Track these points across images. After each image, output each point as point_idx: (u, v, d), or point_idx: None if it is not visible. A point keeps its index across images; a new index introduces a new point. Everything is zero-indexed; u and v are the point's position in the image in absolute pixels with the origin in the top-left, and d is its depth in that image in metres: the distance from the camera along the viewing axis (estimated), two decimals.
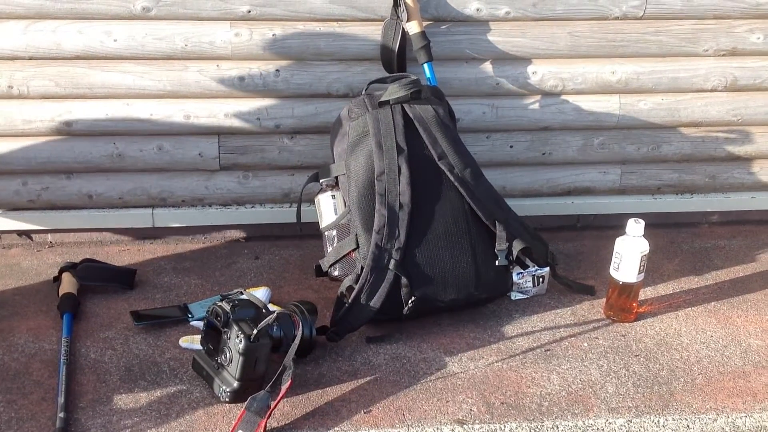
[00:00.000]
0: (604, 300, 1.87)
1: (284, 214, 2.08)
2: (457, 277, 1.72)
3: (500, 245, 1.76)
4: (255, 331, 1.46)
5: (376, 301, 1.67)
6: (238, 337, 1.47)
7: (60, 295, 1.78)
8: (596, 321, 1.83)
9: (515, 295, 1.88)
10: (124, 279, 1.88)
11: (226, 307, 1.51)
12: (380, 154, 1.72)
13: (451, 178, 1.75)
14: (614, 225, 1.97)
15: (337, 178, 1.80)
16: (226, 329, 1.50)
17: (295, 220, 1.90)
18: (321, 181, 1.83)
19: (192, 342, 1.67)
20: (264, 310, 1.55)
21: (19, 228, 2.05)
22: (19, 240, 2.08)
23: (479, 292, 1.76)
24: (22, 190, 2.00)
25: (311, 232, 1.89)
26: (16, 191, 2.00)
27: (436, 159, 1.75)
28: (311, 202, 1.87)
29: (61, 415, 1.44)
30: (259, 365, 1.50)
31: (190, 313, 1.77)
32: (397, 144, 1.72)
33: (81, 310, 1.78)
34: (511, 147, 2.12)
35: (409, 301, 1.68)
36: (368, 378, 1.61)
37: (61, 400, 1.48)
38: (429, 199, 1.74)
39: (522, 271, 1.85)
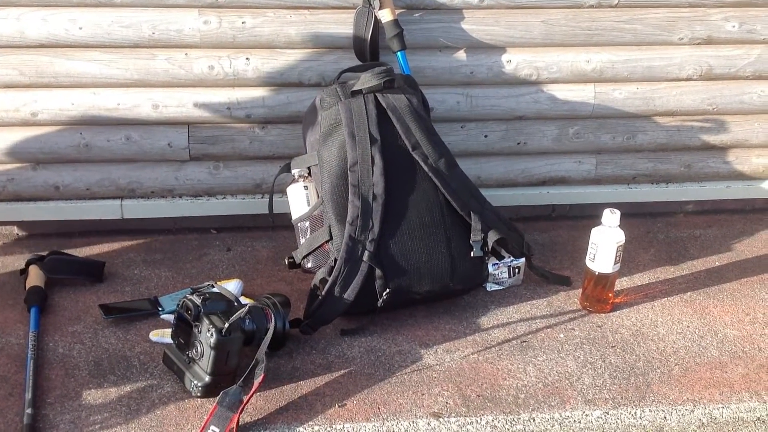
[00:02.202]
0: (580, 291, 1.88)
1: (256, 205, 2.07)
2: (432, 268, 1.73)
3: (475, 236, 1.76)
4: (226, 325, 1.46)
5: (350, 294, 1.66)
6: (209, 330, 1.46)
7: (27, 288, 1.76)
8: (572, 312, 1.84)
9: (491, 286, 1.89)
10: (92, 272, 1.86)
11: (197, 300, 1.50)
12: (353, 145, 1.72)
13: (426, 169, 1.75)
14: (590, 215, 1.98)
15: (309, 168, 1.79)
16: (197, 323, 1.49)
17: (267, 212, 1.89)
18: (293, 171, 1.82)
19: (163, 336, 1.66)
20: (236, 303, 1.54)
21: None
22: None
23: (454, 283, 1.76)
24: None
25: (284, 223, 1.88)
26: None
27: (410, 149, 1.75)
28: (283, 192, 1.86)
29: (29, 411, 1.42)
30: (231, 359, 1.49)
31: (161, 307, 1.76)
32: (370, 134, 1.72)
33: (49, 303, 1.76)
34: (485, 136, 2.13)
35: (384, 293, 1.68)
36: (343, 371, 1.61)
37: (29, 395, 1.46)
38: (403, 190, 1.74)
39: (497, 262, 1.86)
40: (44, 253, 1.88)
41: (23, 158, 1.96)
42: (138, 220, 2.06)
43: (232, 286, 1.80)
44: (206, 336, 1.47)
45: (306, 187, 1.79)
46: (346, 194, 1.70)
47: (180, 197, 2.06)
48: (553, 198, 2.24)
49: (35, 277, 1.80)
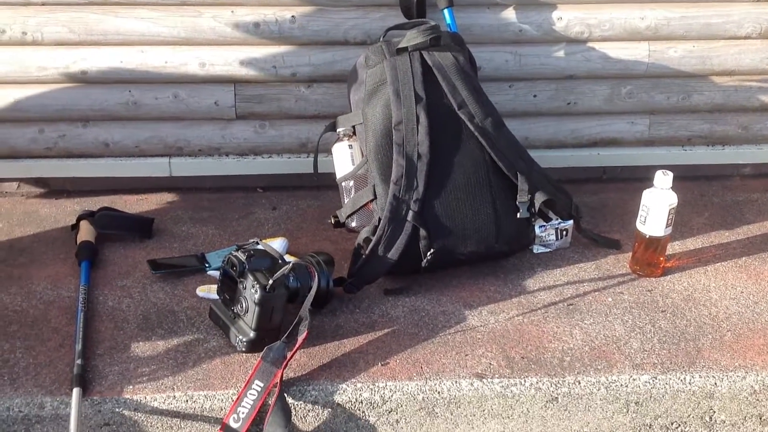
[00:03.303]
0: (630, 254, 1.85)
1: (301, 165, 2.09)
2: (477, 229, 1.72)
3: (522, 197, 1.75)
4: (271, 281, 1.48)
5: (393, 253, 1.67)
6: (253, 287, 1.48)
7: (78, 243, 1.80)
8: (621, 275, 1.82)
9: (537, 249, 1.87)
10: (141, 228, 1.90)
11: (242, 257, 1.52)
12: (398, 103, 1.71)
13: (472, 128, 1.74)
14: (641, 177, 1.95)
15: (354, 127, 1.79)
16: (242, 279, 1.51)
17: (312, 171, 1.90)
18: (338, 130, 1.82)
19: (209, 291, 1.69)
20: (280, 261, 1.55)
21: (36, 176, 2.07)
22: (37, 188, 2.11)
23: (500, 245, 1.75)
24: (39, 137, 2.01)
25: (328, 182, 1.88)
26: (32, 139, 2.01)
27: (456, 108, 1.74)
28: (328, 152, 1.87)
29: (79, 362, 1.46)
30: (275, 315, 1.51)
31: (207, 263, 1.78)
32: (415, 92, 1.71)
33: (99, 258, 1.80)
34: (534, 96, 2.10)
35: (428, 254, 1.68)
36: (386, 330, 1.62)
37: (79, 347, 1.50)
38: (448, 149, 1.73)
39: (545, 224, 1.84)
40: (95, 209, 1.92)
41: (74, 116, 1.99)
42: (185, 178, 2.10)
43: (277, 244, 1.82)
44: (251, 292, 1.49)
45: (350, 147, 1.79)
46: (390, 153, 1.69)
47: (226, 156, 2.08)
48: (603, 160, 2.20)
49: (86, 232, 1.84)
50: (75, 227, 1.88)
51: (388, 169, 1.69)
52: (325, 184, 1.93)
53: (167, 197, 2.08)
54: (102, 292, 1.70)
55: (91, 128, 2.02)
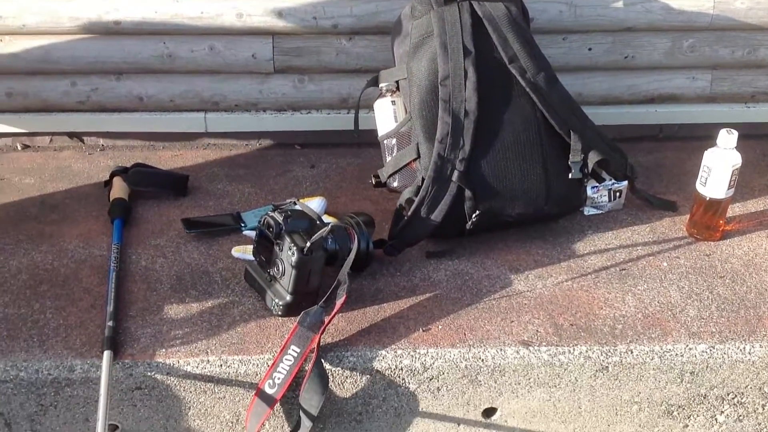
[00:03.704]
0: (687, 217, 1.76)
1: (342, 121, 2.01)
2: (526, 190, 1.63)
3: (574, 157, 1.65)
4: (308, 244, 1.41)
5: (437, 215, 1.59)
6: (290, 249, 1.42)
7: (111, 200, 1.76)
8: (678, 239, 1.72)
9: (589, 210, 1.79)
10: (176, 185, 1.85)
11: (279, 217, 1.46)
12: (445, 57, 1.62)
13: (523, 84, 1.64)
14: (701, 136, 1.84)
15: (398, 82, 1.71)
16: (278, 241, 1.45)
17: (353, 128, 1.82)
18: (380, 85, 1.74)
19: (245, 252, 1.63)
20: (318, 222, 1.49)
21: (69, 130, 2.03)
22: (70, 142, 2.06)
23: (549, 207, 1.67)
24: (71, 91, 1.96)
25: (369, 140, 1.81)
26: (65, 92, 1.96)
27: (507, 62, 1.64)
28: (370, 108, 1.79)
29: (110, 323, 1.43)
30: (312, 279, 1.45)
31: (243, 222, 1.73)
32: (463, 45, 1.61)
33: (132, 216, 1.76)
34: (589, 50, 1.99)
35: (473, 216, 1.60)
36: (427, 295, 1.55)
37: (110, 308, 1.46)
38: (497, 106, 1.64)
39: (597, 184, 1.75)
40: (128, 165, 1.88)
41: (106, 68, 1.94)
42: (222, 133, 2.04)
43: (315, 204, 1.76)
44: (287, 254, 1.43)
45: (393, 102, 1.71)
46: (435, 110, 1.61)
47: (264, 111, 2.02)
48: (661, 117, 2.09)
49: (119, 189, 1.79)
50: (108, 183, 1.84)
51: (432, 127, 1.61)
52: (366, 141, 1.86)
53: (203, 153, 2.03)
54: (135, 251, 1.65)
55: (124, 81, 1.96)
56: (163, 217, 1.77)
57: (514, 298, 1.55)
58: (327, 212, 1.76)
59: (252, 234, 1.65)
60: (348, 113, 2.01)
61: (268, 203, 1.81)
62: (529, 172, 1.63)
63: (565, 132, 1.66)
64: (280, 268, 1.45)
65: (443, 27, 1.64)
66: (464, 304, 1.53)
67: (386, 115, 1.71)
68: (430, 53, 1.63)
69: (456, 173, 1.59)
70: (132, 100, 1.98)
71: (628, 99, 2.06)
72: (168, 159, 2.00)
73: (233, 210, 1.79)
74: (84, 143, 2.06)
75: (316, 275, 1.46)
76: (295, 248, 1.41)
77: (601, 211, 1.79)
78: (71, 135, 2.05)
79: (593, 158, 1.66)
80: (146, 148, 2.04)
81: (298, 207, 1.53)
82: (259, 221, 1.50)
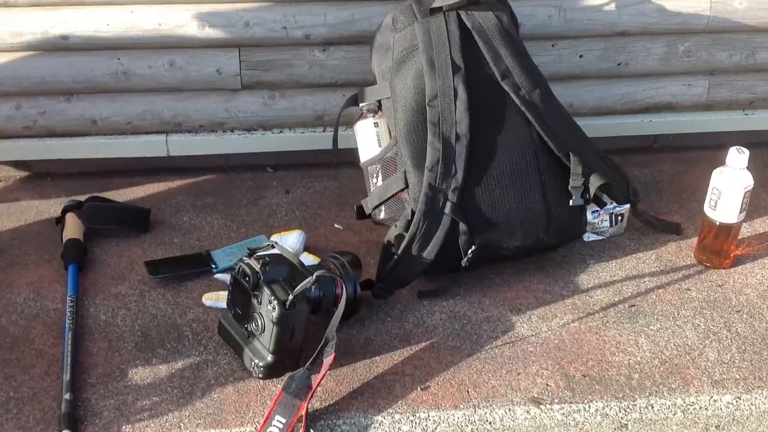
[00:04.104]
0: (694, 241, 1.62)
1: (317, 140, 1.84)
2: (525, 220, 1.48)
3: (575, 182, 1.50)
4: (290, 297, 1.24)
5: (430, 252, 1.43)
6: (270, 303, 1.25)
7: (64, 242, 1.57)
8: (686, 267, 1.59)
9: (589, 237, 1.64)
10: (136, 220, 1.66)
11: (255, 265, 1.28)
12: (432, 74, 1.45)
13: (517, 102, 1.48)
14: (696, 145, 1.73)
15: (380, 101, 1.53)
16: (256, 292, 1.28)
17: (331, 147, 1.65)
18: (361, 105, 1.56)
19: (217, 300, 1.46)
20: (300, 267, 1.32)
21: (14, 159, 1.82)
22: (16, 172, 1.86)
23: (549, 237, 1.52)
24: (16, 114, 1.76)
25: (348, 158, 1.64)
26: (8, 116, 1.76)
27: (499, 78, 1.47)
28: (347, 125, 1.62)
29: (67, 396, 1.24)
30: (296, 335, 1.28)
31: (214, 263, 1.55)
32: (452, 61, 1.44)
33: (89, 257, 1.57)
34: (580, 57, 1.83)
35: (469, 251, 1.45)
36: (423, 344, 1.39)
37: (67, 377, 1.28)
38: (491, 127, 1.48)
39: (598, 209, 1.60)
40: (82, 199, 1.68)
41: (55, 89, 1.73)
42: (186, 157, 1.85)
43: (292, 239, 1.59)
44: (267, 309, 1.26)
45: (376, 125, 1.54)
46: (424, 134, 1.44)
47: (231, 131, 1.83)
48: (656, 127, 1.95)
49: (73, 227, 1.60)
50: (60, 221, 1.64)
51: (421, 153, 1.44)
52: (344, 160, 1.69)
53: (165, 180, 1.84)
54: (93, 301, 1.47)
55: (75, 103, 1.76)
56: (124, 258, 1.58)
57: (518, 344, 1.40)
58: (307, 248, 1.59)
59: (224, 278, 1.49)
60: (324, 131, 1.84)
61: (240, 237, 1.64)
62: (526, 200, 1.48)
63: (563, 154, 1.50)
64: (260, 324, 1.28)
65: (429, 40, 1.47)
66: (464, 353, 1.37)
67: (369, 139, 1.54)
68: (416, 70, 1.46)
69: (449, 205, 1.43)
70: (84, 123, 1.78)
71: (621, 109, 1.92)
72: (126, 188, 1.80)
73: (202, 248, 1.61)
74: (32, 172, 1.85)
75: (300, 331, 1.29)
76: (276, 302, 1.24)
77: (602, 237, 1.65)
78: (17, 163, 1.84)
79: (595, 183, 1.51)
80: (101, 176, 1.84)
81: (275, 250, 1.35)
82: (233, 268, 1.33)
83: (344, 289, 1.33)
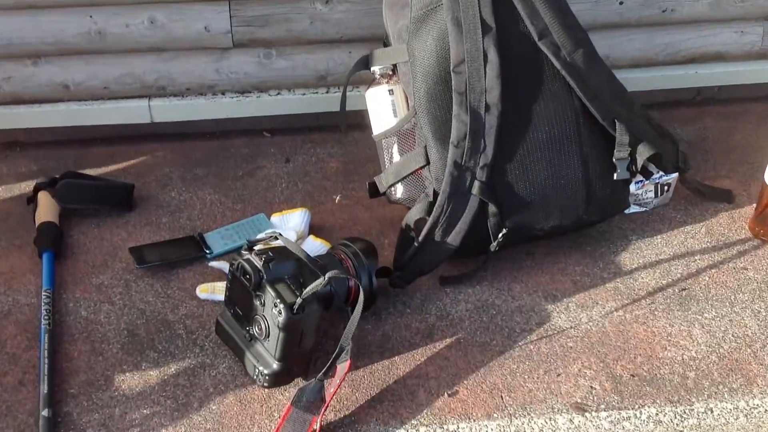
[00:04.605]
0: (748, 210, 1.52)
1: (319, 102, 1.71)
2: (563, 197, 1.36)
3: (620, 153, 1.38)
4: (299, 300, 1.13)
5: (454, 237, 1.32)
6: (276, 306, 1.14)
7: (37, 225, 1.45)
8: (741, 242, 1.48)
9: (631, 208, 1.52)
10: (118, 198, 1.55)
11: (257, 262, 1.17)
12: (458, 35, 1.30)
13: (557, 64, 1.34)
14: (743, 98, 1.61)
15: (395, 65, 1.40)
16: (258, 293, 1.17)
17: (338, 110, 1.51)
18: (372, 68, 1.43)
19: (213, 292, 1.35)
20: (307, 260, 1.20)
21: None
22: None
23: (589, 215, 1.40)
24: None
25: (355, 121, 1.52)
26: None
27: (536, 38, 1.33)
28: (353, 84, 1.49)
29: (45, 413, 1.14)
30: (305, 340, 1.18)
31: (208, 248, 1.44)
32: (482, 20, 1.30)
33: (65, 242, 1.46)
34: (620, 3, 1.69)
35: (499, 235, 1.33)
36: (448, 340, 1.29)
37: (45, 388, 1.17)
38: (525, 95, 1.34)
39: (643, 179, 1.48)
40: (57, 175, 1.56)
41: (20, 51, 1.60)
42: (172, 123, 1.72)
43: (296, 219, 1.47)
44: (272, 313, 1.15)
45: (391, 92, 1.41)
46: (448, 104, 1.31)
47: (223, 94, 1.70)
48: (702, 79, 1.83)
49: (46, 208, 1.49)
50: (32, 200, 1.52)
51: (445, 126, 1.32)
52: (350, 122, 1.56)
53: (149, 150, 1.71)
54: (72, 295, 1.36)
55: (44, 66, 1.63)
56: (105, 242, 1.47)
57: (555, 339, 1.29)
58: (312, 231, 1.47)
59: (220, 266, 1.38)
60: (327, 93, 1.70)
61: (236, 216, 1.52)
62: (565, 176, 1.36)
63: (609, 122, 1.38)
64: (263, 327, 1.17)
65: None
66: (495, 351, 1.27)
67: (383, 109, 1.41)
68: (438, 30, 1.32)
69: (477, 184, 1.31)
70: (55, 88, 1.65)
71: (664, 60, 1.79)
72: (106, 158, 1.68)
73: (194, 229, 1.49)
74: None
75: (310, 334, 1.18)
76: (282, 306, 1.13)
77: (645, 209, 1.54)
78: None
79: (643, 153, 1.39)
80: (77, 145, 1.72)
81: (279, 242, 1.23)
82: (231, 264, 1.21)
83: (359, 286, 1.22)
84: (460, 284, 1.39)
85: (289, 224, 1.46)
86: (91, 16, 1.57)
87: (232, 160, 1.69)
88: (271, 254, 1.18)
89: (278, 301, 1.14)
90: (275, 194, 1.59)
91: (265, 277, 1.16)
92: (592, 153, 1.37)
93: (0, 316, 1.32)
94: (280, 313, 1.13)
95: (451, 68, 1.30)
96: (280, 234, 1.23)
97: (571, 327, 1.31)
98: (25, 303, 1.34)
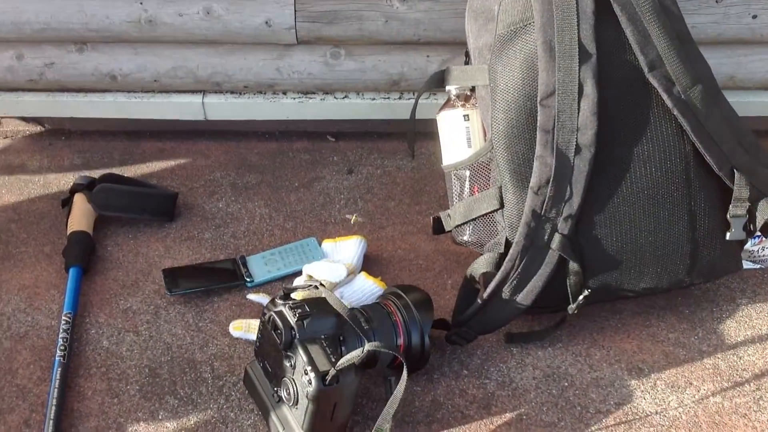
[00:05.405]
0: None
1: (391, 109, 1.56)
2: (662, 257, 1.18)
3: (737, 209, 1.18)
4: (333, 370, 0.99)
5: (525, 296, 1.16)
6: (306, 374, 1.01)
7: (68, 234, 1.36)
8: None
9: (744, 264, 1.33)
10: (160, 207, 1.44)
11: (290, 317, 1.04)
12: (550, 61, 1.12)
13: (668, 102, 1.14)
14: None
15: (474, 87, 1.23)
16: (289, 353, 1.04)
17: (408, 118, 1.37)
18: (448, 88, 1.26)
19: (247, 330, 1.24)
20: (348, 316, 1.06)
21: (19, 115, 1.61)
22: (25, 127, 1.65)
23: (692, 278, 1.21)
24: (17, 66, 1.53)
25: (427, 129, 1.37)
26: (8, 67, 1.54)
27: (646, 70, 1.14)
28: (430, 93, 1.34)
29: None
30: (339, 412, 1.04)
31: (249, 274, 1.32)
32: (580, 45, 1.12)
33: (96, 255, 1.36)
34: (753, 17, 1.47)
35: (580, 297, 1.16)
36: (508, 415, 1.14)
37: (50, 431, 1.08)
38: (626, 136, 1.16)
39: (760, 234, 1.28)
40: (96, 176, 1.46)
41: (63, 36, 1.49)
42: (227, 122, 1.59)
43: (350, 248, 1.34)
44: (302, 380, 1.02)
45: (467, 117, 1.24)
46: (531, 142, 1.14)
47: (284, 94, 1.56)
48: None
49: (81, 214, 1.39)
50: (67, 203, 1.43)
51: (524, 166, 1.14)
52: (422, 130, 1.41)
53: (201, 149, 1.60)
54: (95, 320, 1.26)
55: (90, 54, 1.51)
56: (141, 257, 1.37)
57: (636, 425, 1.13)
58: (366, 260, 1.33)
59: (260, 300, 1.26)
60: (399, 98, 1.55)
61: (285, 236, 1.40)
62: (666, 232, 1.17)
63: (726, 172, 1.18)
64: (291, 393, 1.04)
65: (550, 13, 1.13)
66: None
67: (456, 136, 1.25)
68: (527, 53, 1.14)
69: (557, 238, 1.14)
70: (101, 78, 1.54)
71: None
72: (154, 154, 1.58)
73: (237, 248, 1.38)
74: (44, 127, 1.64)
75: (346, 407, 1.05)
76: (313, 374, 1.00)
77: (761, 267, 1.34)
78: (26, 119, 1.62)
79: (765, 210, 1.19)
80: (125, 138, 1.62)
81: (320, 291, 1.10)
82: (263, 314, 1.08)
83: (405, 337, 1.08)
84: (528, 344, 1.23)
85: (342, 254, 1.33)
86: (141, 3, 1.44)
87: (289, 167, 1.56)
88: (307, 308, 1.05)
89: (309, 368, 1.00)
90: (331, 212, 1.46)
91: (297, 336, 1.03)
92: (702, 207, 1.18)
93: (15, 338, 1.23)
94: (310, 383, 1.00)
95: (538, 100, 1.12)
96: (322, 284, 1.09)
97: (657, 412, 1.14)
98: (44, 325, 1.25)
